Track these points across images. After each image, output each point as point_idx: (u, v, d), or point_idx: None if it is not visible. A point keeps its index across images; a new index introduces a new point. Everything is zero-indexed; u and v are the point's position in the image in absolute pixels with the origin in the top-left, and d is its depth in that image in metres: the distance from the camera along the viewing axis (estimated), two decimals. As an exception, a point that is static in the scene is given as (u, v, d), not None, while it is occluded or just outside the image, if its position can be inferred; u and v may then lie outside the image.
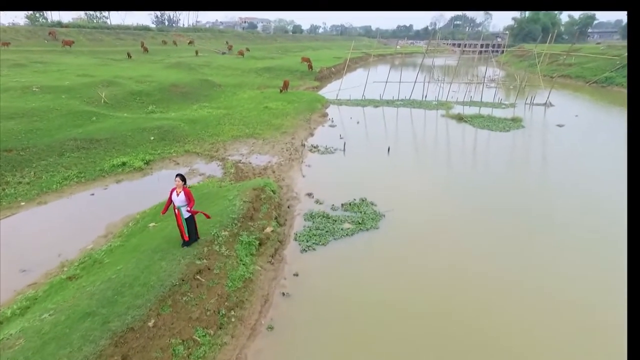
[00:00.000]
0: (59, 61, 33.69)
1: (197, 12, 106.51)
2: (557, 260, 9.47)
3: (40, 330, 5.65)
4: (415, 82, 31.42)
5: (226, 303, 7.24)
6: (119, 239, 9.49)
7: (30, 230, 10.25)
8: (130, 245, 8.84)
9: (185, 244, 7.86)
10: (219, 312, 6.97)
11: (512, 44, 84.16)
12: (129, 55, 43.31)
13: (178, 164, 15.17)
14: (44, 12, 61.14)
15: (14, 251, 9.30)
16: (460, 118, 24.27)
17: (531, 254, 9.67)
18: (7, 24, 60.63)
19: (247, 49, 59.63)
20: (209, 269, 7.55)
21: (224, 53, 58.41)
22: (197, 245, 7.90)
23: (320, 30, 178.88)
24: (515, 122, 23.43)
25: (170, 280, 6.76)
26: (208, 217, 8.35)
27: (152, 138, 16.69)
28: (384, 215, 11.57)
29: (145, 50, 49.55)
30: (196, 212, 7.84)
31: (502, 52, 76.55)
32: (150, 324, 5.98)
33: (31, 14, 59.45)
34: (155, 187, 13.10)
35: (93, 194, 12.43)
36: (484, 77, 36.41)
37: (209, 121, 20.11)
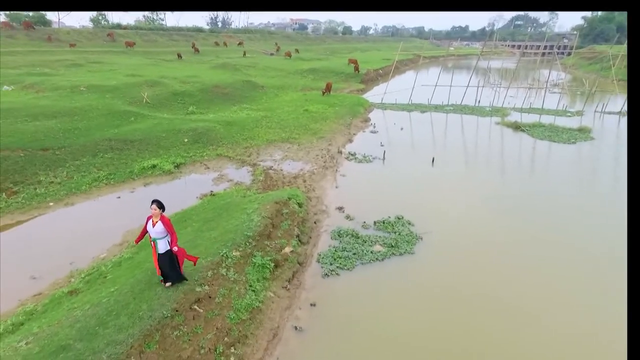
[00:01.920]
0: (113, 61, 35.21)
1: (248, 13, 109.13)
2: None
3: (9, 363, 5.05)
4: (467, 86, 29.22)
5: (226, 338, 6.33)
6: (131, 250, 8.98)
7: (51, 234, 10.07)
8: (137, 259, 8.27)
9: (166, 280, 6.53)
10: (216, 350, 6.06)
11: (581, 45, 77.31)
12: (179, 56, 44.61)
13: (208, 168, 14.70)
14: (106, 14, 65.16)
15: (31, 254, 9.11)
16: (517, 127, 21.96)
17: (600, 301, 7.87)
18: (78, 27, 65.33)
19: (297, 50, 59.56)
20: (210, 297, 6.69)
21: (272, 54, 58.77)
22: (200, 268, 7.07)
23: (371, 32, 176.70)
24: (583, 133, 20.75)
25: (162, 311, 5.96)
26: (194, 261, 6.81)
27: (185, 140, 16.41)
28: (421, 238, 10.18)
29: (197, 50, 50.94)
30: (181, 254, 6.42)
31: (569, 54, 70.43)
32: (130, 364, 5.19)
33: (94, 17, 63.52)
34: (181, 192, 12.68)
35: (119, 197, 12.19)
36: (547, 81, 33.15)
37: (246, 124, 19.63)
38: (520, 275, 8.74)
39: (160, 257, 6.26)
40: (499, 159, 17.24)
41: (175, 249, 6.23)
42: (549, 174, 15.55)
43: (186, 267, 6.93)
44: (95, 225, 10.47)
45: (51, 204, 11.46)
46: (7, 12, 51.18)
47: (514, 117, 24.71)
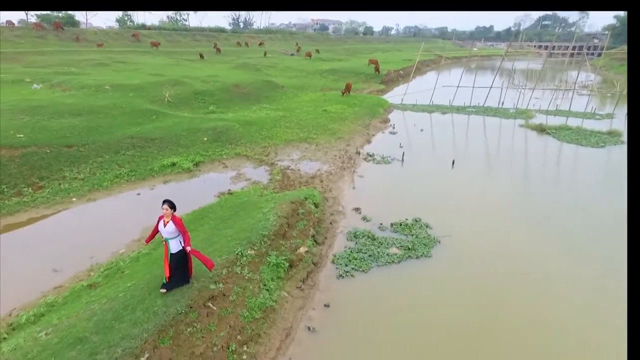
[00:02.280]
0: (137, 61, 36.05)
1: (270, 13, 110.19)
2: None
3: (28, 353, 5.18)
4: (491, 87, 28.53)
5: (239, 337, 6.33)
6: (148, 246, 9.06)
7: (73, 228, 10.31)
8: (154, 256, 8.37)
9: (166, 285, 6.32)
10: (228, 348, 6.07)
11: (613, 46, 74.49)
12: (201, 56, 45.31)
13: (227, 167, 14.82)
14: (131, 15, 66.95)
15: (54, 248, 9.34)
16: (542, 129, 21.32)
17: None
18: (105, 27, 67.30)
19: (317, 51, 59.61)
20: (224, 294, 6.71)
21: (292, 54, 58.99)
22: (215, 266, 7.07)
23: (393, 32, 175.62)
24: (613, 137, 19.95)
25: (176, 307, 6.00)
26: (209, 266, 6.47)
27: (205, 139, 16.60)
28: (439, 242, 9.97)
29: (218, 51, 51.63)
30: (194, 253, 6.35)
31: (599, 54, 67.95)
32: (143, 359, 5.24)
33: (120, 17, 65.29)
34: (199, 190, 12.83)
35: (139, 194, 12.40)
36: (575, 82, 32.05)
37: (264, 123, 19.72)
38: (541, 286, 8.43)
39: (172, 256, 6.22)
40: (522, 162, 16.75)
41: (188, 248, 6.19)
42: (575, 178, 15.03)
43: (199, 264, 6.96)
44: (115, 221, 10.68)
45: (74, 199, 11.76)
46: (38, 13, 53.34)
47: (539, 119, 24.00)
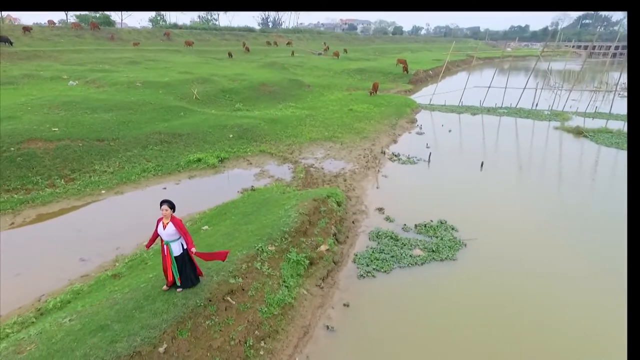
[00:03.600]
0: (168, 59, 37.00)
1: (298, 14, 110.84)
2: None
3: (53, 337, 5.30)
4: (524, 88, 27.51)
5: (256, 332, 6.29)
6: (172, 239, 9.23)
7: (101, 220, 10.59)
8: (177, 248, 8.46)
9: (177, 286, 6.11)
10: (246, 342, 6.03)
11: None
12: (230, 55, 45.99)
13: (251, 163, 14.91)
14: (164, 15, 68.87)
15: (82, 238, 9.63)
16: (579, 132, 20.33)
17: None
18: (139, 27, 69.52)
19: (345, 50, 59.30)
20: (243, 289, 6.69)
21: (319, 54, 58.97)
22: (235, 261, 7.08)
23: (423, 32, 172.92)
24: (656, 141, 18.74)
25: (195, 300, 6.02)
26: (223, 258, 6.21)
27: (230, 136, 16.78)
28: (465, 245, 9.63)
29: (247, 50, 52.29)
30: (201, 256, 6.06)
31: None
32: (162, 349, 5.26)
33: (153, 17, 67.23)
34: (223, 186, 12.97)
35: (165, 188, 12.64)
36: (616, 84, 30.46)
37: (289, 121, 19.74)
38: (570, 294, 7.97)
39: (177, 260, 5.90)
40: (555, 166, 16.00)
41: (194, 249, 5.85)
42: (611, 183, 14.20)
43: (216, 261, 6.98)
44: (141, 214, 10.87)
45: (103, 191, 12.10)
46: (77, 14, 55.73)
47: (576, 121, 22.92)
